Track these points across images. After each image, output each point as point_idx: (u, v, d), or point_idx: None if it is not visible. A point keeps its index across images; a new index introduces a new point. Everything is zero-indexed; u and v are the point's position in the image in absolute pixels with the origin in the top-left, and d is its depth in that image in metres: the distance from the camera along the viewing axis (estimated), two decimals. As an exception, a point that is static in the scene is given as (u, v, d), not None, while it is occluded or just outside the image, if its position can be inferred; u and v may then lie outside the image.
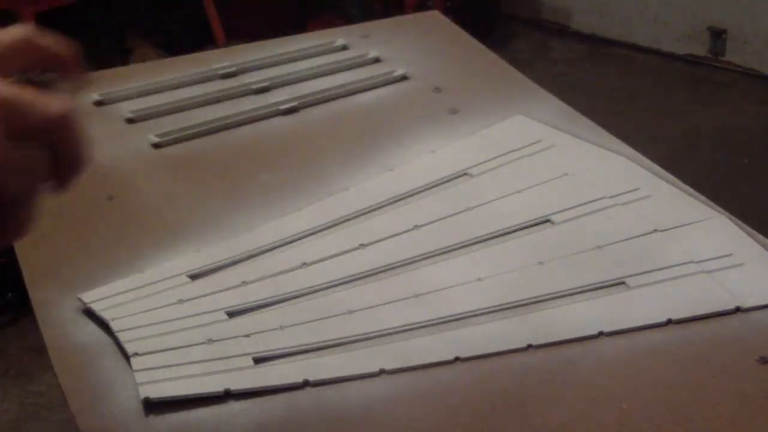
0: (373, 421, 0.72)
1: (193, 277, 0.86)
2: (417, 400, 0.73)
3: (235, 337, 0.79)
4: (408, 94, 1.18)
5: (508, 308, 0.82)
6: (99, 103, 1.18)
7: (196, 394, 0.73)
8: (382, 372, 0.76)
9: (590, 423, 0.71)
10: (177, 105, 1.17)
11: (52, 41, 0.54)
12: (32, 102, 0.49)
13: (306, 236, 0.91)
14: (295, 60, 1.27)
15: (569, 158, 1.01)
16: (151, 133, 1.10)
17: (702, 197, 0.95)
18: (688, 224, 0.90)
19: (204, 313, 0.81)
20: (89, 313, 0.82)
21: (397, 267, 0.87)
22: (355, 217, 0.94)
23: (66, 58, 0.54)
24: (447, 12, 1.43)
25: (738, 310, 0.80)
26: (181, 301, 0.83)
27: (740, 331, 0.79)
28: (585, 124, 1.09)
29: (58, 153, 0.50)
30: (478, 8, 3.18)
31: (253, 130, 1.12)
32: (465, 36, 1.33)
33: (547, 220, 0.92)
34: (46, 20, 2.36)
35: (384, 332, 0.79)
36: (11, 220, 0.51)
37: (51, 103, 0.50)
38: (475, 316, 0.81)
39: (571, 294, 0.83)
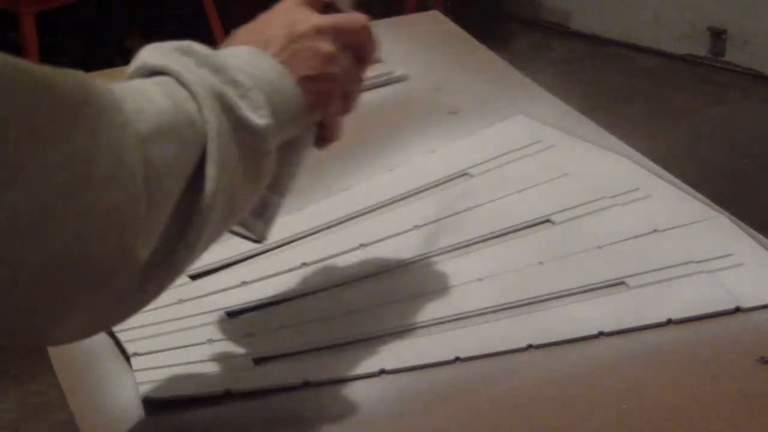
0: (373, 421, 0.72)
1: (193, 277, 0.86)
2: (417, 400, 0.73)
3: (235, 337, 0.79)
4: (408, 94, 1.18)
5: (508, 308, 0.82)
6: (99, 103, 1.17)
7: (196, 394, 0.73)
8: (382, 372, 0.76)
9: (590, 423, 0.71)
10: (177, 105, 1.16)
11: None
12: (349, 22, 0.71)
13: (306, 236, 0.91)
14: (295, 60, 1.27)
15: (569, 158, 1.01)
16: (151, 133, 1.10)
17: (702, 197, 0.95)
18: (688, 224, 0.90)
19: (204, 313, 0.81)
20: (89, 313, 0.82)
21: (397, 267, 0.87)
22: (355, 217, 0.94)
23: None
24: (447, 12, 1.43)
25: (738, 310, 0.80)
26: (181, 301, 0.83)
27: (740, 331, 0.79)
28: (585, 124, 1.09)
29: (360, 53, 0.72)
30: (478, 8, 3.18)
31: (253, 130, 1.12)
32: (465, 36, 1.32)
33: (547, 220, 0.92)
34: (46, 20, 2.36)
35: (384, 332, 0.79)
36: (343, 108, 0.73)
37: (357, 19, 0.72)
38: (475, 316, 0.81)
39: (571, 294, 0.83)
